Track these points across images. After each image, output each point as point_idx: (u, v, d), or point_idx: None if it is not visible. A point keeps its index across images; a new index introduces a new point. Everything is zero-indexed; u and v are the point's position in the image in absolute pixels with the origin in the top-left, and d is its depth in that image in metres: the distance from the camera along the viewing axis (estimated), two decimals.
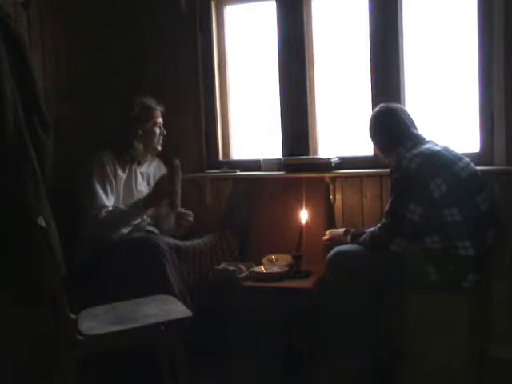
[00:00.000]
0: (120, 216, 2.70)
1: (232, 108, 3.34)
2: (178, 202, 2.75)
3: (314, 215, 2.85)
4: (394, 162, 2.44)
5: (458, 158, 2.38)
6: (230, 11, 3.29)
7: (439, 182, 2.25)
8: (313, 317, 2.54)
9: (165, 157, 3.08)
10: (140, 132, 2.86)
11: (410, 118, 2.52)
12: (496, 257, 2.36)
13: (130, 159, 2.89)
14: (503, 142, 2.70)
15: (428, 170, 2.27)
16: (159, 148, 2.98)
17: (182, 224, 2.83)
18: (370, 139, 2.62)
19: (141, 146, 2.89)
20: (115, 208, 2.72)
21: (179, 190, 2.75)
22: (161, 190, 2.73)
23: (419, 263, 2.28)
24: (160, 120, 2.95)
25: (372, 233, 2.38)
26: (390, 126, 2.49)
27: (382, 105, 2.58)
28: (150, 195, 2.75)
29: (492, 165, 2.73)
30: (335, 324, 2.39)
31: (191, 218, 2.85)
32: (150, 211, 2.87)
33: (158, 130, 2.92)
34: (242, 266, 2.77)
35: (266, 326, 2.54)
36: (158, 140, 2.95)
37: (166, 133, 2.97)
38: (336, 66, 3.12)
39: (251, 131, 3.36)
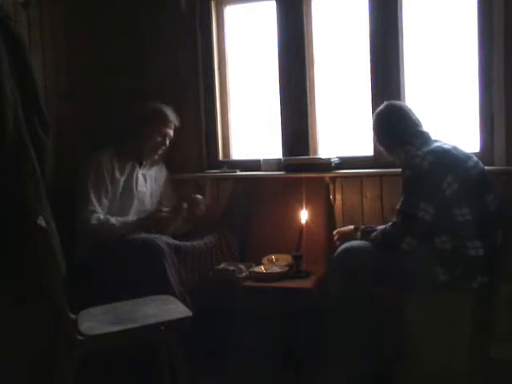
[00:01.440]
0: (109, 230, 2.69)
1: (232, 108, 3.34)
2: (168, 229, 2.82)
3: (314, 215, 2.85)
4: (403, 159, 2.43)
5: (467, 156, 2.37)
6: (230, 11, 3.29)
7: (450, 181, 2.25)
8: (313, 317, 2.54)
9: (166, 158, 3.09)
10: (143, 132, 2.86)
11: (416, 116, 2.51)
12: (505, 257, 2.35)
13: (129, 158, 2.89)
14: (503, 142, 2.70)
15: (440, 168, 2.27)
16: (155, 157, 2.96)
17: (196, 211, 2.88)
18: (374, 137, 2.60)
19: (141, 147, 2.89)
20: (106, 221, 2.70)
21: (171, 228, 2.83)
22: (157, 222, 2.78)
23: (428, 263, 2.27)
24: (169, 132, 2.91)
25: (383, 230, 2.38)
26: (397, 122, 2.48)
27: (387, 102, 2.57)
28: (144, 221, 2.78)
29: (492, 165, 2.73)
30: (336, 324, 2.38)
31: (203, 206, 2.89)
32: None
33: (159, 139, 2.88)
34: (241, 266, 2.77)
35: (265, 325, 2.54)
36: (157, 149, 2.91)
37: (167, 146, 2.94)
38: (336, 66, 3.12)
39: (251, 131, 3.36)
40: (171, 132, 2.93)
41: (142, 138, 2.87)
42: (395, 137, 2.47)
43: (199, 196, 2.93)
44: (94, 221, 2.67)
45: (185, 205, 2.85)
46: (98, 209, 2.72)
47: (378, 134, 2.56)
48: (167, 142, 2.93)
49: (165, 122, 2.89)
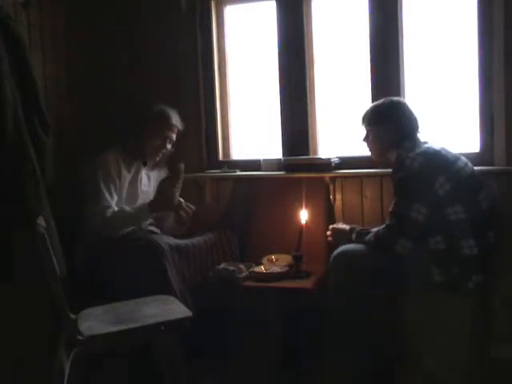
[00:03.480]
0: (125, 218, 2.70)
1: (232, 108, 3.34)
2: (174, 202, 2.75)
3: (313, 215, 2.85)
4: (394, 162, 2.44)
5: (456, 157, 2.38)
6: (229, 11, 3.29)
7: (442, 181, 2.25)
8: (313, 317, 2.54)
9: (169, 159, 3.09)
10: (145, 133, 2.86)
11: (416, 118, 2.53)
12: (497, 256, 2.35)
13: (133, 158, 2.89)
14: (503, 142, 2.70)
15: (431, 169, 2.27)
16: (157, 159, 2.96)
17: (181, 216, 2.81)
18: (370, 127, 2.52)
19: (142, 148, 2.89)
20: (121, 210, 2.71)
21: (178, 193, 2.75)
22: (163, 193, 2.72)
23: (423, 264, 2.27)
24: (171, 135, 2.91)
25: (377, 233, 2.37)
26: (404, 119, 2.47)
27: (395, 98, 2.55)
28: (154, 200, 2.75)
29: (492, 165, 2.73)
30: (336, 324, 2.38)
31: (190, 211, 2.83)
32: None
33: (160, 142, 2.88)
34: (242, 266, 2.77)
35: (265, 325, 2.54)
36: (157, 151, 2.91)
37: (170, 150, 2.94)
38: (336, 66, 3.12)
39: (251, 131, 3.35)
40: (173, 135, 2.93)
41: (143, 138, 2.88)
42: (401, 134, 2.45)
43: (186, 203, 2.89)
44: (108, 214, 2.67)
45: (181, 166, 2.78)
46: (111, 203, 2.72)
47: (387, 127, 2.47)
48: (168, 146, 2.93)
49: (167, 124, 2.89)
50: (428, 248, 2.30)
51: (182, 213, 2.80)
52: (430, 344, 2.28)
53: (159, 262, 2.51)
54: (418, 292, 2.27)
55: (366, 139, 2.59)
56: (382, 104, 2.53)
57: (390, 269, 2.30)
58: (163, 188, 2.74)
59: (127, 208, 2.74)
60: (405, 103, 2.53)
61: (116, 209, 2.71)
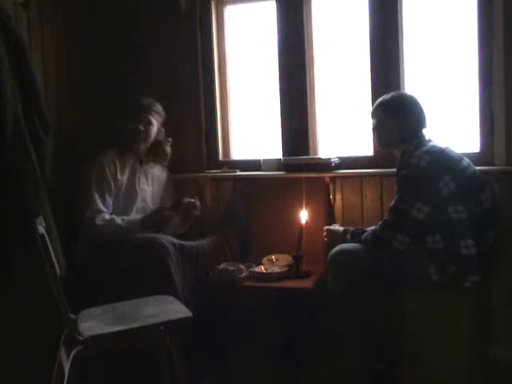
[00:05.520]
0: (115, 230, 2.69)
1: (232, 108, 3.34)
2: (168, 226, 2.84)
3: (313, 215, 2.85)
4: (399, 158, 2.44)
5: (460, 157, 2.39)
6: (229, 11, 3.29)
7: (447, 180, 2.26)
8: (313, 317, 2.54)
9: (169, 162, 3.09)
10: (129, 126, 2.87)
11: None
12: (496, 256, 2.35)
13: (129, 156, 2.89)
14: (503, 142, 2.70)
15: (437, 167, 2.28)
16: (141, 146, 2.89)
17: (190, 215, 2.87)
18: (384, 117, 2.50)
19: (127, 137, 2.89)
20: (112, 221, 2.71)
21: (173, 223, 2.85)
22: (159, 218, 2.79)
23: (421, 263, 2.27)
24: (147, 117, 2.87)
25: (374, 230, 2.37)
26: (417, 115, 2.47)
27: (407, 93, 2.56)
28: (147, 219, 2.78)
29: (492, 165, 2.73)
30: (336, 323, 2.38)
31: (197, 206, 2.88)
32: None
33: (139, 126, 2.85)
34: (242, 266, 2.77)
35: (265, 325, 2.54)
36: (137, 137, 2.86)
37: (156, 136, 2.93)
38: (336, 66, 3.12)
39: (251, 131, 3.35)
40: (151, 119, 2.89)
41: (128, 131, 2.87)
42: (412, 129, 2.44)
43: (192, 200, 2.89)
44: (99, 221, 2.67)
45: (185, 200, 2.83)
46: (103, 208, 2.72)
47: (400, 119, 2.45)
48: (151, 130, 2.88)
49: (140, 107, 2.87)
50: (426, 247, 2.30)
51: (193, 211, 2.87)
52: (430, 344, 2.28)
53: (163, 261, 2.51)
54: (416, 291, 2.27)
55: (375, 128, 2.57)
56: (400, 96, 2.53)
57: (387, 267, 2.30)
58: (162, 214, 2.80)
59: (118, 220, 2.72)
60: (417, 98, 2.53)
61: (107, 217, 2.70)
